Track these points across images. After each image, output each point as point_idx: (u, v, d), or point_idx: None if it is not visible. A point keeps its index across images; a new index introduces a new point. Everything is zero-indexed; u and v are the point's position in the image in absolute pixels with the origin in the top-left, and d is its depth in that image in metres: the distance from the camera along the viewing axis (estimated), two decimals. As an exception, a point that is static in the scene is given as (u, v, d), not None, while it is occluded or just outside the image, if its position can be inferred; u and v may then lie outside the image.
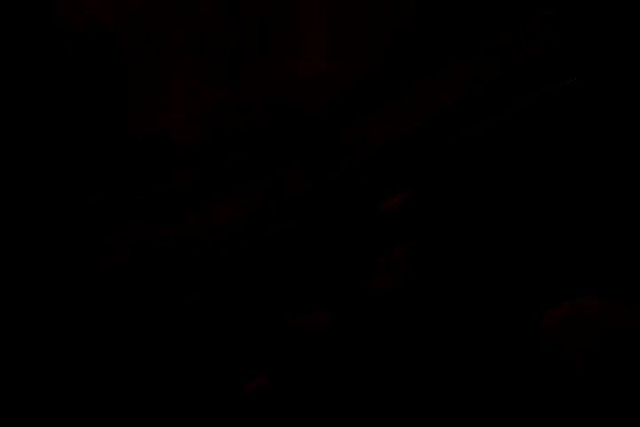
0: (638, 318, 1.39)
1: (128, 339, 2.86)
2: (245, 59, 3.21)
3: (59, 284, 3.04)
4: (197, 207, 3.51)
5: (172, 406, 2.28)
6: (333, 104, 3.02)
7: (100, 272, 3.09)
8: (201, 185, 3.51)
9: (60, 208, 3.16)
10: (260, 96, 3.33)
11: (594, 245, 1.93)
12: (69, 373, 2.72)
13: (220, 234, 3.41)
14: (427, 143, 2.56)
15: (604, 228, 1.91)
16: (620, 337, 1.38)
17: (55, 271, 3.07)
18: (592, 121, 2.03)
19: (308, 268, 2.81)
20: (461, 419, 1.83)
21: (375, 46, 2.82)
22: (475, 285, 2.08)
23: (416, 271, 2.19)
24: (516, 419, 1.79)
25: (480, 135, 2.35)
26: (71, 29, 3.14)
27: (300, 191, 3.24)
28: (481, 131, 2.38)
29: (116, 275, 3.12)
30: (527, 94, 2.22)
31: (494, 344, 2.14)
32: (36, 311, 2.95)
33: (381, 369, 1.99)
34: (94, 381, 2.64)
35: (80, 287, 3.05)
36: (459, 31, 2.57)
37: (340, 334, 2.15)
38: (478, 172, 2.30)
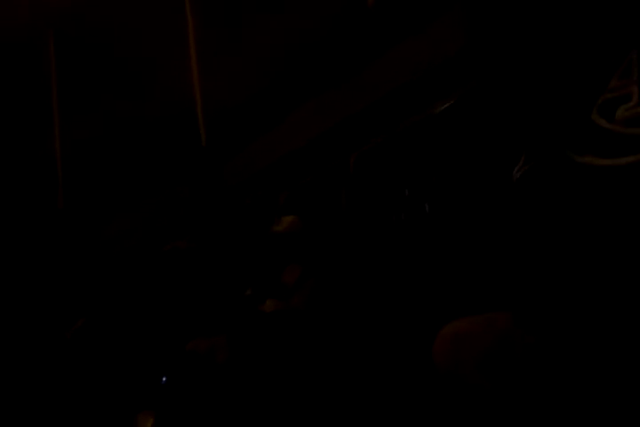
0: (518, 330, 1.47)
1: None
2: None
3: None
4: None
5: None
6: (221, 127, 3.05)
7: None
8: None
9: None
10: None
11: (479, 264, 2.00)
12: None
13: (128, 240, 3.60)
14: (307, 167, 2.60)
15: (485, 244, 1.98)
16: (498, 350, 1.46)
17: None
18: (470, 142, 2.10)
19: (208, 287, 2.83)
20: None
21: (253, 76, 2.87)
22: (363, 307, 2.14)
23: (309, 295, 2.23)
24: None
25: (361, 157, 2.41)
26: None
27: (191, 209, 3.26)
28: (366, 149, 2.44)
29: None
30: (407, 118, 2.30)
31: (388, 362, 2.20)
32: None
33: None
34: None
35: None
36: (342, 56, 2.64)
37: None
38: (360, 195, 2.36)
